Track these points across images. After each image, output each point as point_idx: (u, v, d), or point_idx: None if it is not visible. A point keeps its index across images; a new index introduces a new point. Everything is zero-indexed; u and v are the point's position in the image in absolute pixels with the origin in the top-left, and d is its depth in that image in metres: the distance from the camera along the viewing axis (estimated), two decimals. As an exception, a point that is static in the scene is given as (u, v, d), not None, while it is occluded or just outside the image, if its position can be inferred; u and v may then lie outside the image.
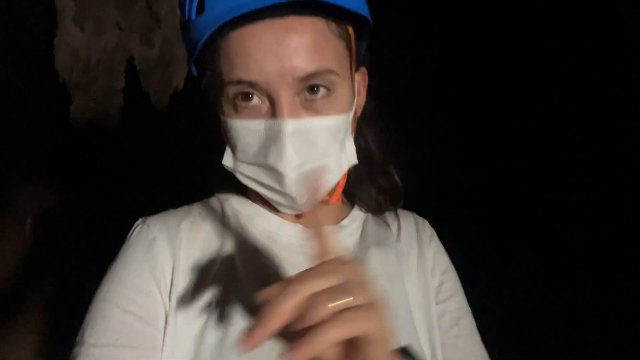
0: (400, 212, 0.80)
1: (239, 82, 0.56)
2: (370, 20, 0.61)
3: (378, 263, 0.69)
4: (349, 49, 0.61)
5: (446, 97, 1.61)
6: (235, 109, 0.58)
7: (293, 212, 0.66)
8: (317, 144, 0.58)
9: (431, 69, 1.66)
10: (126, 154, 1.48)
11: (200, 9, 0.56)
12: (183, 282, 0.62)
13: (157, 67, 1.58)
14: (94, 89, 1.54)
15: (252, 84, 0.55)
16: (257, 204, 0.70)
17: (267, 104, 0.57)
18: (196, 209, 0.71)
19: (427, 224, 0.81)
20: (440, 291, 0.73)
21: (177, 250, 0.64)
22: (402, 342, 0.62)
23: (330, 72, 0.57)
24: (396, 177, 0.77)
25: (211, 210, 0.71)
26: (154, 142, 1.49)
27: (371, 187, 0.77)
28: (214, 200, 0.73)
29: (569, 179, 1.44)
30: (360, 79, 0.68)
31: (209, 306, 0.61)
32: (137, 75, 1.56)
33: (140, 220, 0.68)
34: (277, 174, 0.58)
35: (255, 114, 0.58)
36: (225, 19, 0.53)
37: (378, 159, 0.75)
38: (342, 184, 0.69)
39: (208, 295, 0.61)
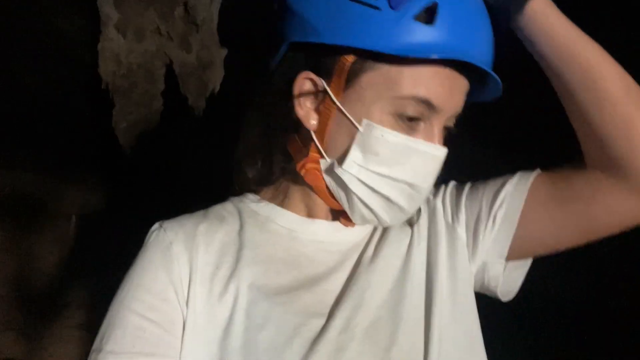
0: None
1: (422, 101, 0.58)
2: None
3: (389, 254, 0.69)
4: None
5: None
6: (399, 122, 0.59)
7: (365, 224, 0.68)
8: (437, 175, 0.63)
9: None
10: (165, 156, 1.52)
11: (430, 18, 0.55)
12: (201, 286, 0.61)
13: (194, 71, 1.62)
14: (135, 93, 1.59)
15: (431, 107, 0.58)
16: (274, 204, 0.70)
17: (422, 125, 0.59)
18: (212, 212, 0.70)
19: (433, 193, 0.77)
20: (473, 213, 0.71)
21: (195, 254, 0.63)
22: (405, 333, 0.62)
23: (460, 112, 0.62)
24: None
25: (228, 213, 0.70)
26: (192, 145, 1.52)
27: None
28: (229, 204, 0.73)
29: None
30: None
31: (231, 310, 0.60)
32: (176, 79, 1.60)
33: (156, 225, 0.66)
34: (415, 193, 0.61)
35: (415, 132, 0.60)
36: (448, 55, 0.55)
37: None
38: None
39: (229, 298, 0.60)
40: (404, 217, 0.64)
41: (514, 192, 0.67)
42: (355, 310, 0.62)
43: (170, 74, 1.61)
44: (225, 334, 0.59)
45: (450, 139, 0.65)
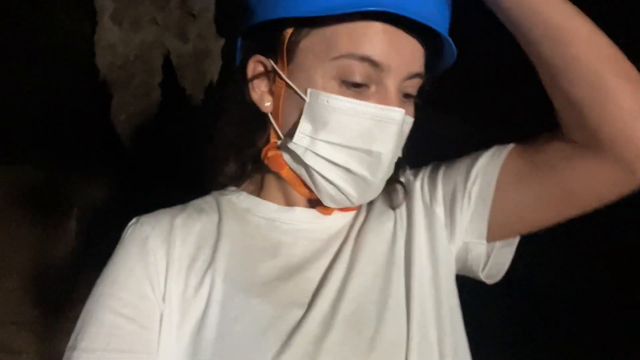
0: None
1: (363, 58, 0.55)
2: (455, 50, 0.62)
3: (372, 240, 0.68)
4: None
5: (450, 97, 1.57)
6: (344, 86, 0.57)
7: (339, 205, 0.65)
8: (402, 142, 0.61)
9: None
10: (165, 148, 1.51)
11: None
12: (177, 280, 0.61)
13: (192, 61, 1.61)
14: (132, 84, 1.58)
15: (374, 64, 0.56)
16: (254, 195, 0.69)
17: (374, 89, 0.58)
18: (191, 205, 0.69)
19: (414, 174, 0.74)
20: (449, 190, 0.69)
21: (172, 248, 0.62)
22: (389, 321, 0.60)
23: (422, 76, 0.60)
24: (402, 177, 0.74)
25: (207, 205, 0.69)
26: (191, 136, 1.52)
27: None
28: (209, 197, 0.72)
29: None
30: None
31: (206, 302, 0.59)
32: (174, 70, 1.59)
33: (134, 220, 0.65)
34: (373, 160, 0.59)
35: (365, 97, 0.57)
36: (377, 8, 0.53)
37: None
38: None
39: (204, 291, 0.60)
40: (372, 190, 0.62)
41: (487, 166, 0.65)
42: (337, 300, 0.61)
43: (167, 64, 1.60)
44: (199, 327, 0.58)
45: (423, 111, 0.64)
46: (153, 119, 1.61)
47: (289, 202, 0.67)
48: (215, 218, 0.67)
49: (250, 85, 0.61)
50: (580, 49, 0.56)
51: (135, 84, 1.57)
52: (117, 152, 1.48)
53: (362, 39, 0.56)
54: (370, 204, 0.71)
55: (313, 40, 0.59)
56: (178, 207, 0.69)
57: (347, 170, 0.60)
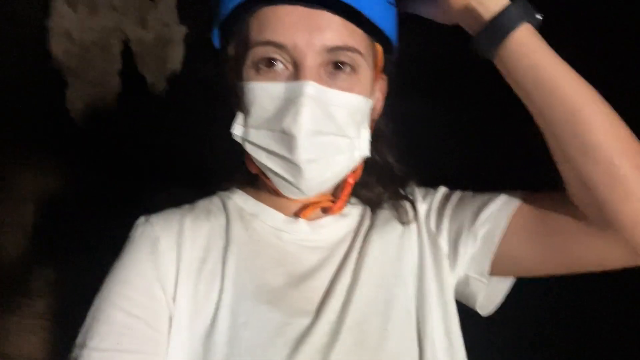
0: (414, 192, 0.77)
1: (267, 43, 0.57)
2: (394, 42, 0.65)
3: (377, 250, 0.69)
4: (374, 47, 0.64)
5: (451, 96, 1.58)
6: (257, 72, 0.58)
7: (296, 196, 0.65)
8: (335, 118, 0.58)
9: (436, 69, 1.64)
10: (125, 138, 1.47)
11: None
12: (187, 282, 0.61)
13: (153, 49, 1.57)
14: (90, 72, 1.52)
15: (278, 45, 0.57)
16: (261, 201, 0.70)
17: (290, 69, 0.58)
18: (198, 206, 0.71)
19: (423, 195, 0.76)
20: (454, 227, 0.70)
21: (182, 250, 0.63)
22: (392, 334, 0.62)
23: (357, 51, 0.59)
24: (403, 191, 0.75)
25: (215, 207, 0.70)
26: (152, 126, 1.48)
27: (382, 193, 0.75)
28: (216, 198, 0.73)
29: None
30: (381, 85, 0.70)
31: (216, 306, 0.60)
32: (133, 58, 1.54)
33: (142, 219, 0.67)
34: (289, 138, 0.57)
35: (276, 77, 0.58)
36: None
37: (398, 172, 0.75)
38: (347, 193, 0.69)
39: (214, 295, 0.60)
40: (308, 175, 0.60)
41: (498, 213, 0.65)
42: (343, 310, 0.62)
43: (127, 52, 1.55)
44: (210, 330, 0.58)
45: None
46: (113, 108, 1.56)
47: (290, 210, 0.68)
48: (222, 221, 0.68)
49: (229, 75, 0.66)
50: (600, 138, 0.55)
51: (92, 71, 1.51)
52: (73, 143, 1.43)
53: (265, 25, 0.57)
54: (375, 213, 0.73)
55: (241, 34, 0.61)
56: (186, 208, 0.70)
57: (282, 157, 0.61)
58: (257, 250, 0.65)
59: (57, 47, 1.47)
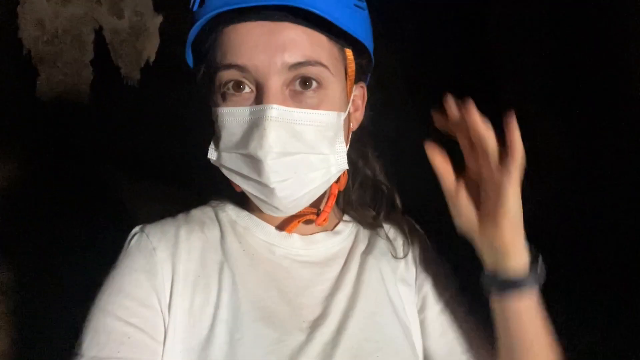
0: (405, 224, 0.80)
1: (229, 66, 0.57)
2: (366, 44, 0.63)
3: (374, 280, 0.70)
4: (343, 54, 0.63)
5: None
6: (224, 97, 0.59)
7: (275, 214, 0.66)
8: (303, 137, 0.57)
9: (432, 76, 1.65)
10: (96, 129, 1.44)
11: (202, 2, 0.59)
12: (183, 294, 0.60)
13: (127, 38, 1.53)
14: (61, 61, 1.48)
15: (241, 68, 0.56)
16: (254, 215, 0.70)
17: (255, 92, 0.58)
18: (192, 218, 0.70)
19: (418, 238, 0.80)
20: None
21: (177, 262, 0.62)
22: (390, 355, 0.64)
23: (321, 64, 0.58)
24: (397, 202, 0.77)
25: (207, 219, 0.70)
26: (124, 117, 1.45)
27: (369, 208, 0.78)
28: (209, 209, 0.73)
29: (581, 179, 1.41)
30: (359, 93, 0.69)
31: (212, 321, 0.59)
32: (107, 47, 1.51)
33: (137, 229, 0.66)
34: (256, 162, 0.57)
35: (242, 102, 0.58)
36: (222, 9, 0.55)
37: (385, 187, 0.76)
38: (331, 204, 0.69)
39: (210, 309, 0.60)
40: (283, 195, 0.60)
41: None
42: (338, 333, 0.62)
43: (100, 41, 1.51)
44: (205, 345, 0.58)
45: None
46: (85, 99, 1.53)
47: (282, 225, 0.68)
48: (216, 233, 0.68)
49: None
50: None
51: (64, 60, 1.48)
52: (44, 133, 1.39)
53: (228, 47, 0.57)
54: (372, 236, 0.75)
55: (208, 55, 0.62)
56: (180, 218, 0.69)
57: (245, 176, 0.61)
58: (251, 264, 0.66)
59: (28, 34, 1.43)
